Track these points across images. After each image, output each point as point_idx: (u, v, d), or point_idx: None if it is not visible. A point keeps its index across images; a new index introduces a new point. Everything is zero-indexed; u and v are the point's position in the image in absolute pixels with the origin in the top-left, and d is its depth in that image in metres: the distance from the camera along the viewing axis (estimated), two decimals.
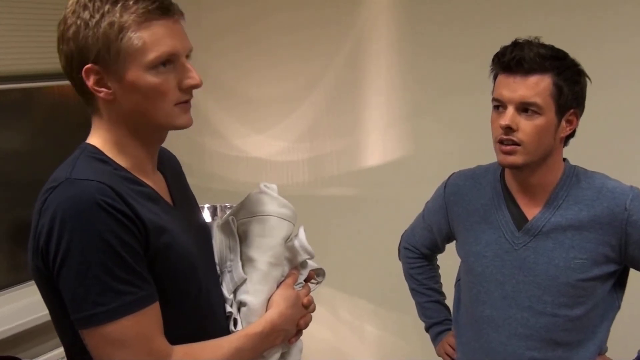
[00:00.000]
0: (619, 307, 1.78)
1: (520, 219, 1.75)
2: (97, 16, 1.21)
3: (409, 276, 2.13)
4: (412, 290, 2.13)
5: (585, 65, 1.71)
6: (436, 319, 2.09)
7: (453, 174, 1.95)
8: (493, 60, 1.71)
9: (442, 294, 2.12)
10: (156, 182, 1.37)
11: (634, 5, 2.43)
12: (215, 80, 3.16)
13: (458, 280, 1.98)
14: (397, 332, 3.05)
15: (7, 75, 2.77)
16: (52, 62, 2.77)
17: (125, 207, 1.20)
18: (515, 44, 1.67)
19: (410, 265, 2.12)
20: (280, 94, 3.14)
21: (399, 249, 2.17)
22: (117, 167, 1.28)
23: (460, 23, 2.70)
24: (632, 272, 1.78)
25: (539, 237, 1.71)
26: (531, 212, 1.74)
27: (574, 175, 1.74)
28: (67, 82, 1.30)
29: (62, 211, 1.17)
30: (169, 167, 1.47)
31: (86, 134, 1.34)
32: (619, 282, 1.77)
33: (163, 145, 1.42)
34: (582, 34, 2.48)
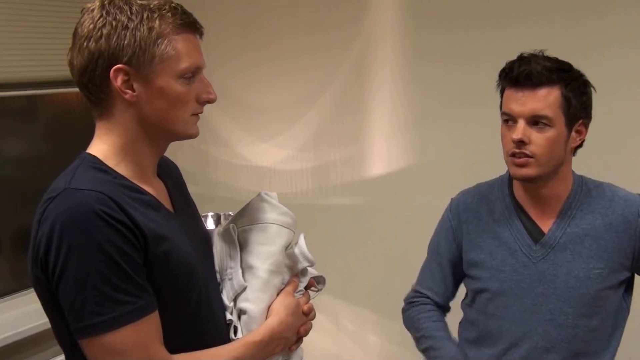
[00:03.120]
0: (628, 312, 1.79)
1: (535, 232, 1.75)
2: (136, 20, 1.25)
3: (416, 321, 1.92)
4: (421, 337, 1.90)
5: (588, 73, 1.72)
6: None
7: (452, 199, 1.94)
8: (500, 75, 1.72)
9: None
10: (157, 189, 1.37)
11: (635, 12, 2.42)
12: (219, 87, 3.13)
13: (463, 299, 1.95)
14: (399, 343, 3.04)
15: (12, 83, 2.78)
16: (57, 69, 2.80)
17: (124, 216, 1.20)
18: (521, 58, 1.69)
19: (418, 310, 1.94)
20: (285, 101, 3.14)
21: (402, 310, 2.00)
22: (117, 175, 1.28)
23: (466, 31, 2.70)
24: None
25: (556, 249, 1.72)
26: (545, 224, 1.75)
27: (583, 184, 1.76)
28: (70, 90, 1.30)
29: (61, 221, 1.17)
30: (170, 174, 1.48)
31: (88, 140, 1.34)
32: (627, 288, 1.78)
33: (167, 152, 1.43)
34: (588, 41, 2.47)
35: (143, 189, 1.31)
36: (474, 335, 1.87)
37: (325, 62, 3.02)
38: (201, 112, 1.36)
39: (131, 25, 1.25)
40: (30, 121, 3.00)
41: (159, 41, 1.26)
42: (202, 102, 1.35)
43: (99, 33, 1.25)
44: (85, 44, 1.26)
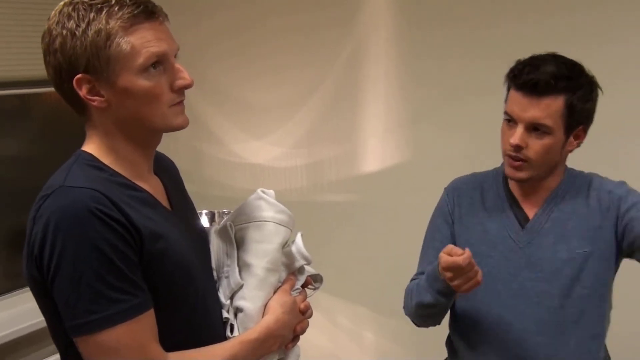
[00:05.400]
0: (610, 290, 1.81)
1: (522, 219, 1.80)
2: (83, 25, 1.20)
3: (409, 297, 1.88)
4: (419, 295, 1.82)
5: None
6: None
7: (447, 186, 1.96)
8: (508, 74, 1.72)
9: None
10: (154, 187, 1.36)
11: (633, 5, 2.42)
12: (213, 85, 3.16)
13: None
14: (395, 339, 3.05)
15: (4, 81, 2.78)
16: None
17: (119, 214, 1.19)
18: (531, 62, 1.69)
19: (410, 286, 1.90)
20: (279, 99, 3.14)
21: (405, 302, 1.93)
22: (113, 173, 1.28)
23: (459, 28, 2.70)
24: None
25: (541, 234, 1.76)
26: (532, 211, 1.80)
27: (571, 176, 1.81)
28: None
29: (56, 219, 1.17)
30: (167, 172, 1.47)
31: (83, 139, 1.34)
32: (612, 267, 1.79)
33: (162, 150, 1.42)
34: (583, 35, 2.47)
35: (139, 186, 1.31)
36: (466, 324, 1.89)
37: (318, 59, 3.02)
38: (182, 100, 1.30)
39: (79, 32, 1.20)
40: (23, 120, 2.99)
41: (109, 42, 1.20)
42: (177, 90, 1.28)
43: (54, 46, 1.23)
44: (47, 59, 1.25)
